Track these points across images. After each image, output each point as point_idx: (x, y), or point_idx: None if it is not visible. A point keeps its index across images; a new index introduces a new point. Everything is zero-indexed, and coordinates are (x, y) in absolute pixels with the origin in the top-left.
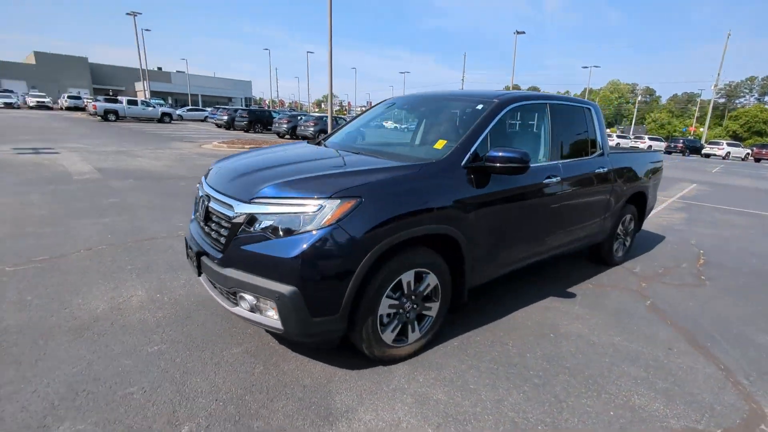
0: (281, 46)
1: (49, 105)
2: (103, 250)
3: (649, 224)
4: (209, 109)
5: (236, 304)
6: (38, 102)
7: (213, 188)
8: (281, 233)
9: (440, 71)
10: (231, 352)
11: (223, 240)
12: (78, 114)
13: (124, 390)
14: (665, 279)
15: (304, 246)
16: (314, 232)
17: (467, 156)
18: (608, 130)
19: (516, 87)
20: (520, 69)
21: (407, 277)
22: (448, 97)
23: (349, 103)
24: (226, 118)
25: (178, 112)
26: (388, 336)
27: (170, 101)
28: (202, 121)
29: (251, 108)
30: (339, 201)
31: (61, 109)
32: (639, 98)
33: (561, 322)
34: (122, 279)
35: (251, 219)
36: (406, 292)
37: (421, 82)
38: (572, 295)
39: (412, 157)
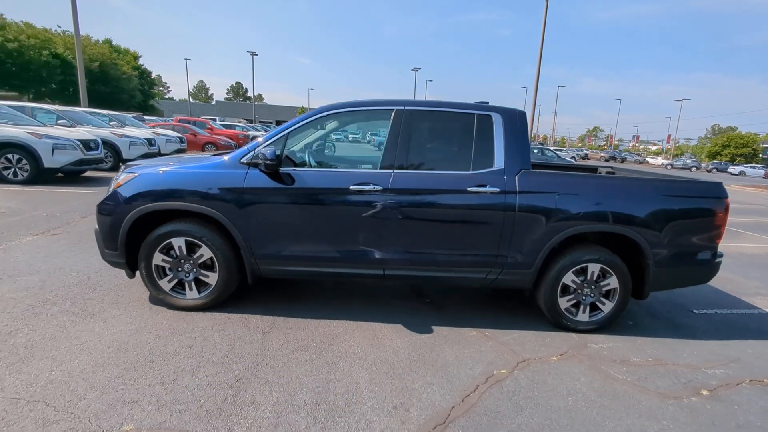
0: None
1: (359, 140)
2: None
3: None
4: None
5: None
6: (353, 138)
7: None
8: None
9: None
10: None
11: None
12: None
13: (31, 271)
14: (621, 371)
15: (101, 198)
16: (107, 192)
17: (249, 154)
18: None
19: None
20: None
21: (177, 242)
22: None
23: (610, 136)
24: None
25: None
26: (165, 284)
27: None
28: None
29: None
30: (123, 175)
31: None
32: None
33: (352, 341)
34: None
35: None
36: (177, 254)
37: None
38: (427, 331)
39: None
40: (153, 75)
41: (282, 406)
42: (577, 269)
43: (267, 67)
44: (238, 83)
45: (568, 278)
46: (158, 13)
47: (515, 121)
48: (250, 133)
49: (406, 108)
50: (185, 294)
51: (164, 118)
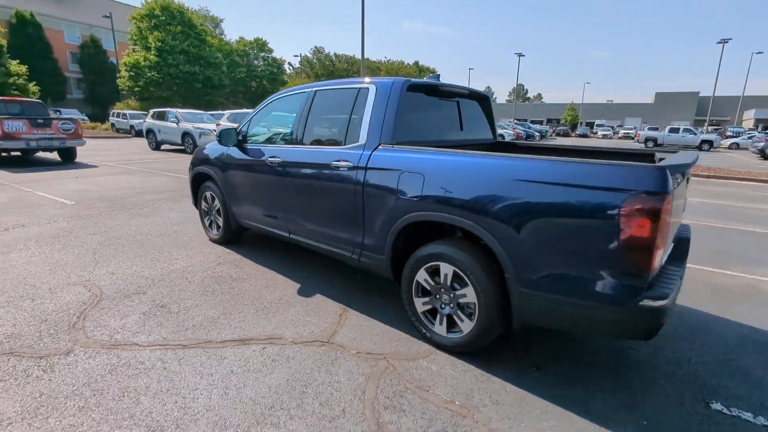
0: None
1: (631, 136)
2: None
3: None
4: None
5: None
6: (624, 133)
7: None
8: None
9: None
10: None
11: None
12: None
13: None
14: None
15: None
16: None
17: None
18: None
19: None
20: None
21: (208, 194)
22: None
23: None
24: (762, 144)
25: (736, 139)
26: (206, 222)
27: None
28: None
29: None
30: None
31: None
32: None
33: (250, 283)
34: None
35: None
36: (209, 203)
37: None
38: (308, 295)
39: None
40: None
41: (149, 299)
42: (429, 267)
43: (552, 65)
44: (519, 85)
45: (422, 276)
46: (449, 33)
47: (386, 92)
48: None
49: (313, 89)
50: (213, 231)
51: None
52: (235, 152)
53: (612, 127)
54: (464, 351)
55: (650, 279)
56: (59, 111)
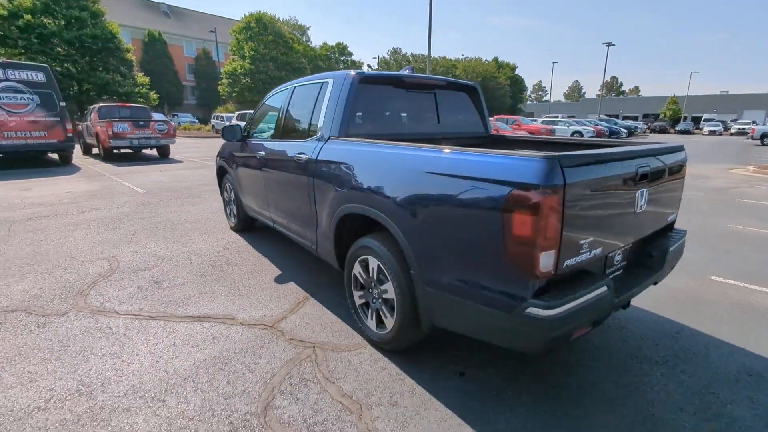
0: None
1: (746, 131)
2: None
3: None
4: None
5: None
6: (738, 129)
7: None
8: None
9: None
10: None
11: None
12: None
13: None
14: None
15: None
16: None
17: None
18: None
19: None
20: None
21: (227, 185)
22: None
23: None
24: None
25: None
26: (227, 211)
27: None
28: None
29: None
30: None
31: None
32: None
33: (236, 265)
34: None
35: None
36: (225, 195)
37: None
38: (283, 282)
39: None
40: (535, 81)
41: (149, 275)
42: (362, 261)
43: (654, 54)
44: (613, 78)
45: (357, 269)
46: (538, 25)
47: (340, 86)
48: (554, 127)
49: (294, 85)
50: (231, 219)
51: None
52: (239, 147)
53: (723, 122)
54: (390, 348)
55: (539, 284)
56: (176, 115)
